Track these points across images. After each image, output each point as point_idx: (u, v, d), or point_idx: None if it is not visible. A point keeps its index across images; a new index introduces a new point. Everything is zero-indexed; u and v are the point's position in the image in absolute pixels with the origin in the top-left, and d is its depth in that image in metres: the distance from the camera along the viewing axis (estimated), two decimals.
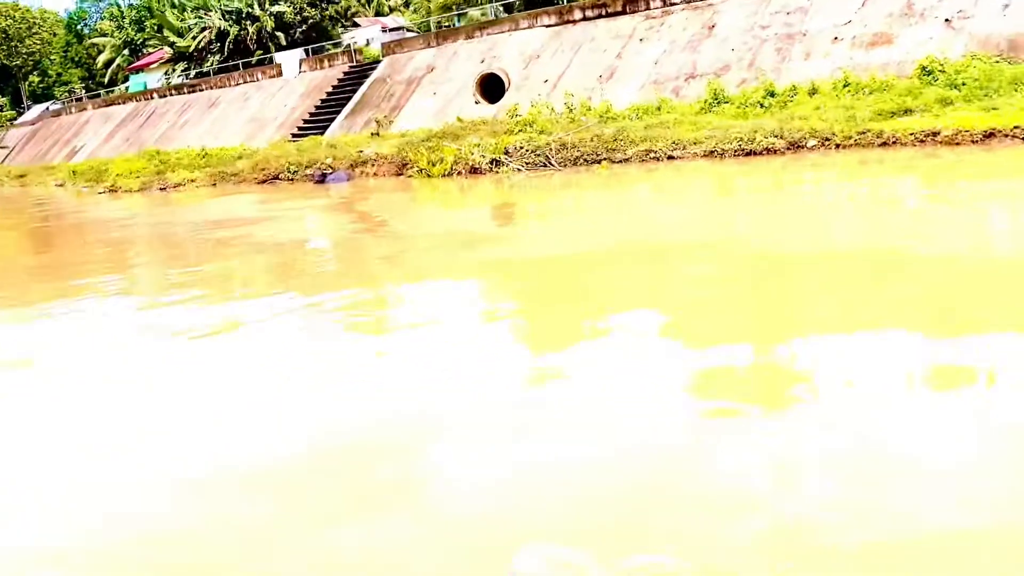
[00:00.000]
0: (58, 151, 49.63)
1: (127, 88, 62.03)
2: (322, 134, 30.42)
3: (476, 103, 26.93)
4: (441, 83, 28.88)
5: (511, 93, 26.28)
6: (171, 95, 44.82)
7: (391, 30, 46.41)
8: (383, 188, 18.92)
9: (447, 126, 22.49)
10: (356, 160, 21.51)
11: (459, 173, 18.84)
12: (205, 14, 56.54)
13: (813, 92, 18.40)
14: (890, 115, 15.20)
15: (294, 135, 32.58)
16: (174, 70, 56.31)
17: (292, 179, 22.30)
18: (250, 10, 54.89)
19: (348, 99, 31.89)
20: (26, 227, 19.36)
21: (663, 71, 22.86)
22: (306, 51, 38.02)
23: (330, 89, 33.68)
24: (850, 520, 3.09)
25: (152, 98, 46.35)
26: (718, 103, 19.61)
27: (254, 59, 46.53)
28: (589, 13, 26.31)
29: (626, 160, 17.00)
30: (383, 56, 32.61)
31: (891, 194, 11.06)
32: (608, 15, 25.77)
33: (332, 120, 31.42)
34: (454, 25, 35.38)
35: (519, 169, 17.82)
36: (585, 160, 17.40)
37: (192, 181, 24.92)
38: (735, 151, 15.47)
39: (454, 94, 27.95)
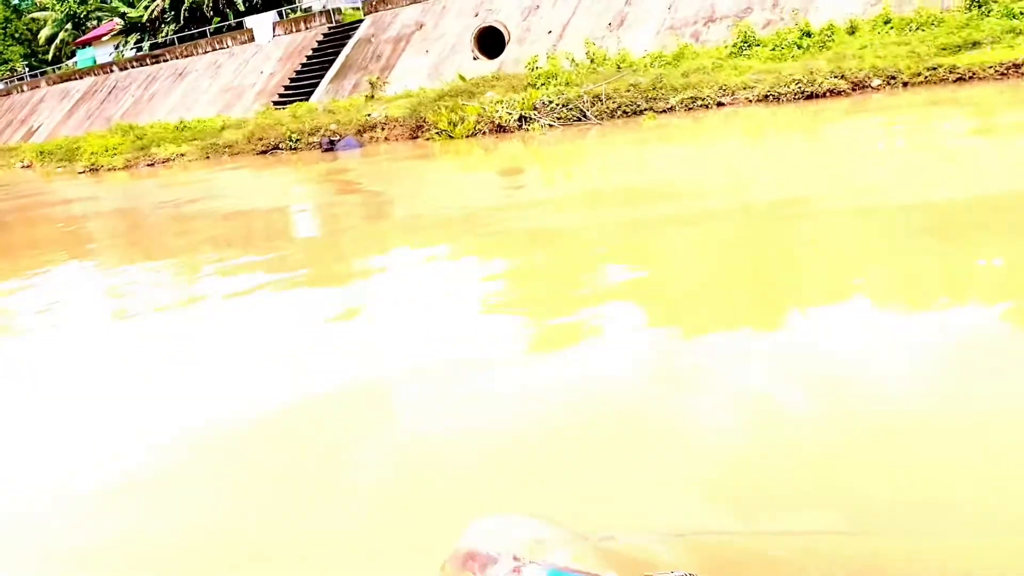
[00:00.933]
0: (12, 132, 47.15)
1: (75, 64, 59.30)
2: (306, 100, 28.93)
3: (475, 59, 25.63)
4: (433, 40, 27.48)
5: (512, 47, 25.02)
6: (132, 67, 42.64)
7: None
8: (401, 153, 17.66)
9: (457, 83, 21.22)
10: (364, 124, 20.21)
11: (483, 133, 17.67)
12: None
13: (852, 31, 17.48)
14: (956, 49, 14.31)
15: (276, 102, 30.97)
16: (126, 42, 53.91)
17: (295, 148, 20.92)
18: None
19: (331, 62, 30.33)
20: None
21: (679, 15, 21.77)
22: (279, 14, 36.15)
23: (310, 53, 32.04)
24: None
25: (111, 72, 44.08)
26: (748, 47, 18.60)
27: (211, 26, 44.47)
28: None
29: (669, 109, 15.96)
30: (365, 15, 31.02)
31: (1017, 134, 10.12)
32: None
33: (316, 85, 29.88)
34: None
35: (551, 125, 16.69)
36: (624, 112, 16.34)
37: (182, 155, 23.39)
38: (794, 94, 14.48)
39: (448, 51, 26.59)
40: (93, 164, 24.99)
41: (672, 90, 16.06)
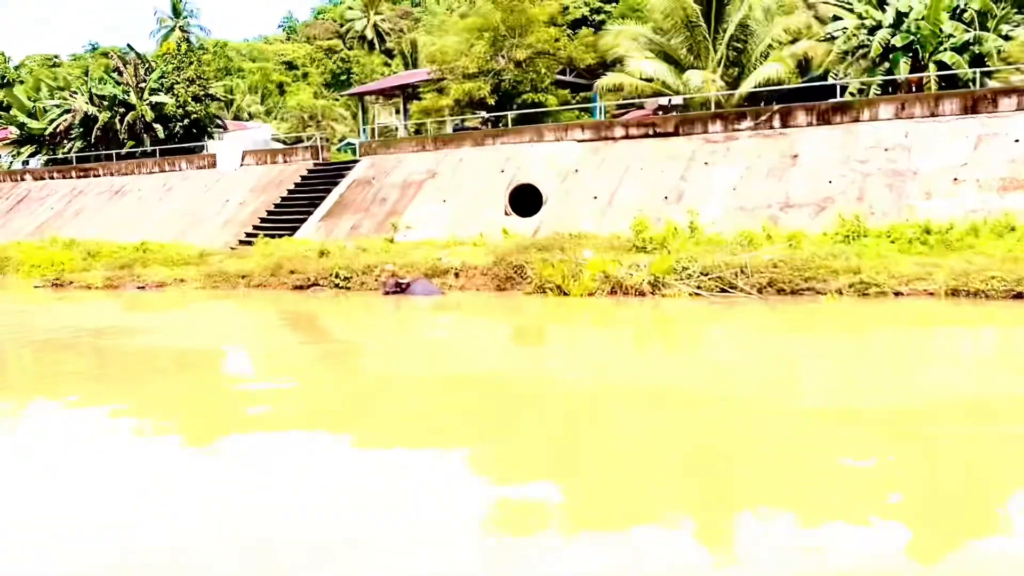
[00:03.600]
0: None
1: None
2: (291, 235, 26.32)
3: (507, 215, 24.05)
4: (449, 190, 25.82)
5: (552, 207, 23.68)
6: (51, 178, 38.43)
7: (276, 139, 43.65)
8: (507, 308, 15.55)
9: (550, 236, 19.38)
10: (433, 268, 17.93)
11: (601, 293, 15.85)
12: (70, 96, 50.79)
13: (975, 232, 17.14)
14: None
15: (250, 234, 28.10)
16: (19, 153, 49.62)
17: (345, 287, 18.29)
18: (125, 97, 49.86)
19: (321, 199, 27.98)
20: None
21: (747, 198, 21.16)
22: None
23: (291, 187, 29.60)
24: None
25: (22, 179, 39.63)
26: (857, 236, 17.91)
27: (124, 149, 41.23)
28: (633, 132, 24.48)
29: (836, 291, 14.72)
30: (361, 156, 29.13)
31: None
32: (657, 135, 24.06)
33: (304, 220, 27.34)
34: (438, 131, 32.54)
35: (697, 293, 15.08)
36: (781, 289, 14.95)
37: (182, 281, 20.12)
38: (1005, 292, 13.54)
39: (470, 203, 24.95)
40: (59, 279, 21.17)
41: (831, 271, 14.89)
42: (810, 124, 22.34)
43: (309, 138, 47.05)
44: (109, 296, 19.41)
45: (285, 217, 28.15)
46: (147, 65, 51.54)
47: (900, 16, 27.08)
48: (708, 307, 14.53)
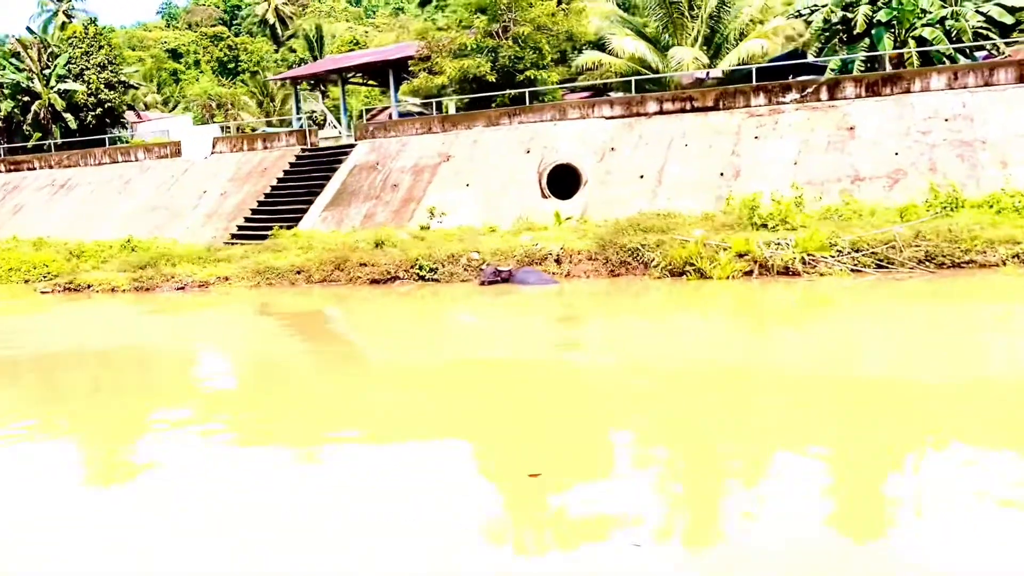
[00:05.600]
0: None
1: None
2: (293, 226, 24.12)
3: (544, 198, 22.66)
4: (470, 173, 24.18)
5: (593, 187, 22.45)
6: None
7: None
8: (659, 294, 14.25)
9: (642, 216, 18.08)
10: (529, 255, 16.45)
11: (739, 275, 14.79)
12: None
13: None
14: None
15: (242, 227, 25.69)
16: None
17: (433, 279, 16.59)
18: (30, 85, 45.82)
19: (319, 186, 25.79)
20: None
21: (812, 171, 20.53)
22: (222, 128, 30.90)
23: (280, 175, 27.20)
24: None
25: None
26: (956, 207, 17.49)
27: (31, 142, 37.48)
28: (668, 106, 23.51)
29: (989, 265, 14.13)
30: (356, 140, 27.03)
31: None
32: (695, 110, 23.18)
33: (304, 210, 25.12)
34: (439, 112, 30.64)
35: (854, 270, 14.23)
36: (941, 263, 14.25)
37: (226, 279, 17.88)
38: None
39: (500, 186, 23.43)
40: (72, 282, 18.50)
41: (986, 241, 14.31)
42: (859, 96, 21.94)
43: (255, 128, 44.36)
44: (155, 301, 16.95)
45: (281, 208, 25.82)
46: (50, 50, 47.40)
47: None
48: (882, 284, 13.65)
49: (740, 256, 14.89)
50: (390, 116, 36.28)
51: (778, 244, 14.70)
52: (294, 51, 78.83)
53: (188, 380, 10.63)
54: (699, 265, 14.68)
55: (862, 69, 26.36)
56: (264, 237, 23.46)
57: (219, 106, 67.23)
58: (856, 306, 12.86)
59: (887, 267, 14.32)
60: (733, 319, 12.94)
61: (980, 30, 27.53)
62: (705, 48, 29.75)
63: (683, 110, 23.37)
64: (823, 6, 29.59)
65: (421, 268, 16.71)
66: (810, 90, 22.28)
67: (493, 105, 26.75)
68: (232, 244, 24.00)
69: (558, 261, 16.42)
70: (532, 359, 10.50)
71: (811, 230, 14.95)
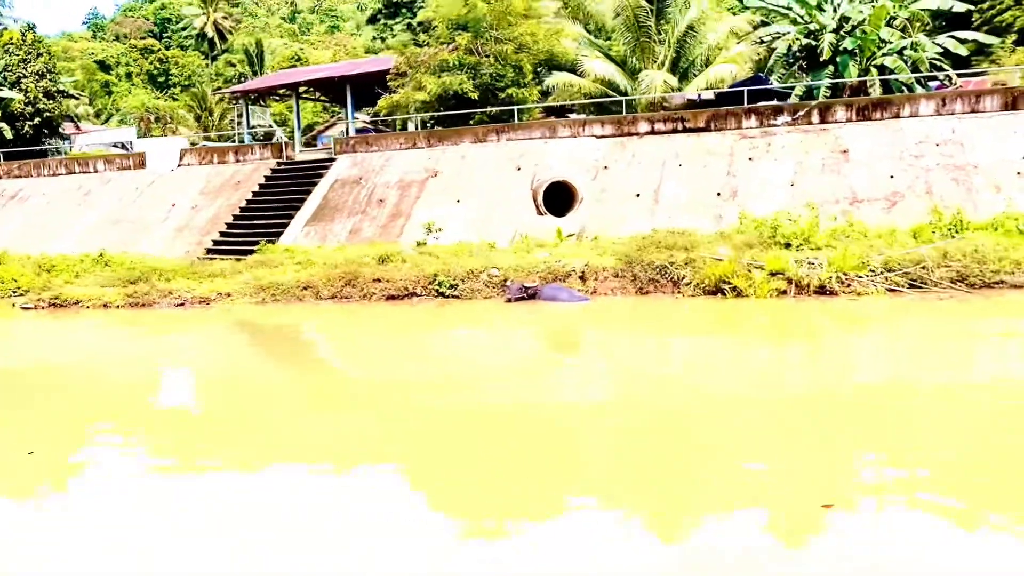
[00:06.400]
0: None
1: None
2: (274, 240, 23.33)
3: (540, 215, 22.39)
4: (459, 189, 23.78)
5: (589, 205, 22.29)
6: None
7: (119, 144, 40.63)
8: (699, 314, 14.04)
9: (663, 233, 17.89)
10: (552, 271, 16.14)
11: (774, 294, 14.74)
12: None
13: None
14: None
15: (218, 241, 24.74)
16: None
17: (453, 295, 16.11)
18: None
19: (299, 200, 25.01)
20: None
21: (809, 193, 20.75)
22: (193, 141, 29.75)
23: (256, 188, 26.30)
24: None
25: None
26: (960, 228, 17.85)
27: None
28: (660, 127, 23.56)
29: (1019, 285, 14.39)
30: (337, 154, 26.35)
31: None
32: (687, 130, 23.28)
33: (284, 225, 24.30)
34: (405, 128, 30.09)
35: (891, 290, 14.31)
36: (972, 283, 14.44)
37: (228, 295, 17.07)
38: None
39: (491, 203, 23.07)
40: (58, 298, 17.42)
41: (1013, 262, 14.57)
42: (849, 120, 22.31)
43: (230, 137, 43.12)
44: (155, 318, 16.02)
45: (258, 222, 24.93)
46: None
47: (843, 20, 27.92)
48: (925, 304, 13.72)
49: (772, 275, 14.83)
50: (345, 131, 35.71)
51: (811, 263, 14.70)
52: (233, 65, 77.20)
53: (237, 413, 9.96)
54: (735, 283, 14.56)
55: (827, 95, 26.99)
56: (245, 252, 22.60)
57: (157, 119, 65.27)
58: (920, 325, 12.88)
59: (920, 287, 14.44)
60: (814, 340, 12.65)
61: (934, 61, 28.62)
62: (671, 71, 30.01)
63: (675, 130, 23.45)
64: (785, 33, 30.33)
65: (440, 284, 16.20)
66: (801, 113, 22.58)
67: (471, 122, 26.44)
68: (210, 259, 23.03)
69: (582, 278, 16.12)
70: (649, 393, 9.92)
71: (843, 249, 15.01)
